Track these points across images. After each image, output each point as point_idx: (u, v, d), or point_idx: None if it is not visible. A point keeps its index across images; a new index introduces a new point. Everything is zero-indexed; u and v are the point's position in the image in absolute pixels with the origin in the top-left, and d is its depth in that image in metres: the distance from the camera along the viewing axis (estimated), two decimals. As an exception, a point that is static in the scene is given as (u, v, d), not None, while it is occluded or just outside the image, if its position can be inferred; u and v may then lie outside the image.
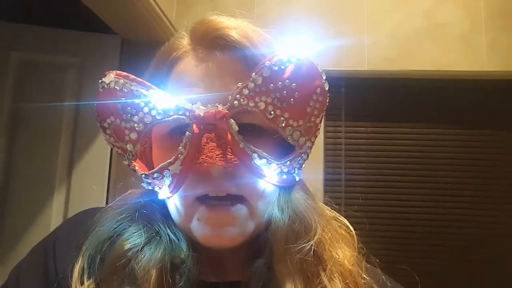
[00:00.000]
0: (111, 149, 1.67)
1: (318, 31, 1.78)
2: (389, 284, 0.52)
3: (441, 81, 1.83)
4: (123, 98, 0.46)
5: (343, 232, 0.52)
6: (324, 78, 0.47)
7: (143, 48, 1.73)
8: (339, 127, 1.89)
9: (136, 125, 0.47)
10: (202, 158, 0.42)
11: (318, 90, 0.47)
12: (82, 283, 0.45)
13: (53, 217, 1.60)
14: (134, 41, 1.74)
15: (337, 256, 0.48)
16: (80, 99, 1.69)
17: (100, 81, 0.47)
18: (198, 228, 0.46)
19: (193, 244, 0.48)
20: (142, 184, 0.50)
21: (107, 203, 1.56)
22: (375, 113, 1.91)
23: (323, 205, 0.55)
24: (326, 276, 0.46)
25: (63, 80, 1.69)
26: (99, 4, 1.47)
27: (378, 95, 1.91)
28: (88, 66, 1.69)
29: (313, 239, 0.47)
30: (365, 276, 0.49)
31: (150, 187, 0.49)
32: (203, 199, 0.46)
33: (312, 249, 0.46)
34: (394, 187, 1.87)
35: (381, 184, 1.87)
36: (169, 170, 0.45)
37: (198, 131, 0.44)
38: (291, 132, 0.46)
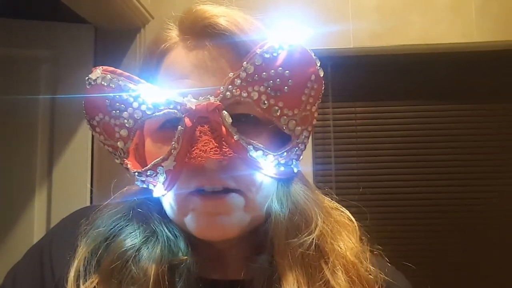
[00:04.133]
0: (92, 144, 1.68)
1: (300, 9, 1.75)
2: (393, 275, 0.53)
3: (431, 55, 1.83)
4: (111, 94, 0.46)
5: (345, 223, 0.53)
6: (319, 64, 0.47)
7: (118, 37, 1.72)
8: (326, 109, 1.88)
9: (126, 121, 0.47)
10: (195, 152, 0.42)
11: (313, 77, 0.47)
12: (78, 287, 0.46)
13: (36, 218, 1.59)
14: (108, 29, 1.71)
15: (339, 249, 0.49)
16: (56, 93, 1.67)
17: (87, 77, 0.47)
18: (192, 220, 0.46)
19: (192, 240, 0.48)
20: (136, 182, 0.50)
21: (91, 199, 1.55)
22: (364, 92, 1.90)
23: (323, 196, 0.56)
24: (329, 269, 0.47)
25: (36, 75, 1.66)
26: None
27: (366, 73, 1.91)
28: (61, 59, 1.66)
29: (314, 232, 0.47)
30: (370, 267, 0.50)
31: (144, 185, 0.49)
32: (197, 192, 0.46)
33: (314, 243, 0.47)
34: (387, 167, 1.88)
35: (373, 166, 1.88)
36: (163, 166, 0.45)
37: (190, 125, 0.44)
38: (286, 122, 0.47)
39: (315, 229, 0.48)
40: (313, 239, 0.47)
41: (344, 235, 0.51)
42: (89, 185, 1.61)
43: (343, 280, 0.46)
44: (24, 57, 1.64)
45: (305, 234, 0.47)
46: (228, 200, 0.45)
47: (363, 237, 0.54)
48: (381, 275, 0.50)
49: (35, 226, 1.58)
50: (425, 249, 1.82)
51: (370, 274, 0.49)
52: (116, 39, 1.70)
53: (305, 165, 1.73)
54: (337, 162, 1.87)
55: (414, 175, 1.87)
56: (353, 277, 0.48)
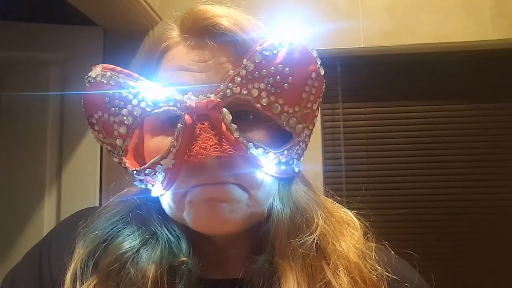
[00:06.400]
0: (101, 147, 1.69)
1: (310, 8, 1.75)
2: (399, 267, 0.53)
3: (443, 54, 1.81)
4: (110, 92, 0.47)
5: (347, 223, 0.53)
6: (319, 63, 0.47)
7: (127, 39, 1.73)
8: (336, 109, 1.88)
9: (125, 118, 0.47)
10: (195, 150, 0.42)
11: (313, 75, 0.47)
12: None
13: (45, 219, 1.61)
14: (117, 31, 1.72)
15: (341, 249, 0.49)
16: (65, 96, 1.69)
17: (86, 76, 0.48)
18: (190, 211, 0.46)
19: (194, 240, 0.48)
20: (134, 182, 0.50)
21: (100, 201, 1.57)
22: (374, 92, 1.90)
23: (325, 197, 0.56)
24: (330, 270, 0.47)
25: (46, 78, 1.68)
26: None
27: (376, 73, 1.90)
28: (70, 61, 1.68)
29: (315, 233, 0.47)
30: (375, 265, 0.50)
31: (143, 185, 0.49)
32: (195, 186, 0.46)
33: (315, 243, 0.47)
34: (397, 168, 1.87)
35: (383, 167, 1.87)
36: (162, 165, 0.45)
37: (190, 122, 0.44)
38: (287, 119, 0.47)
39: (316, 229, 0.48)
40: (314, 239, 0.47)
41: (346, 235, 0.51)
42: (98, 187, 1.63)
43: (345, 281, 0.46)
44: (33, 60, 1.66)
45: (306, 234, 0.47)
46: (228, 189, 0.45)
47: (368, 234, 0.54)
48: (387, 273, 0.50)
49: (44, 229, 1.59)
50: (437, 251, 1.80)
51: (375, 273, 0.49)
52: (125, 41, 1.72)
53: (315, 165, 1.73)
54: (347, 163, 1.86)
55: (425, 176, 1.85)
56: (356, 278, 0.47)
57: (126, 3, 1.53)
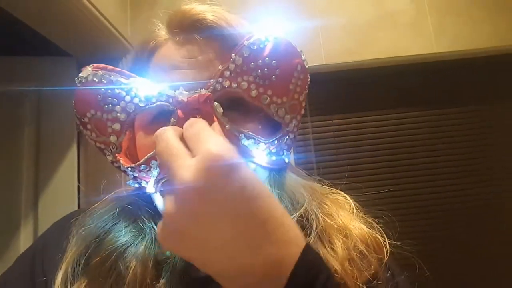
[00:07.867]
0: (78, 174, 1.65)
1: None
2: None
3: (397, 67, 1.90)
4: (102, 90, 0.46)
5: (339, 201, 0.55)
6: (304, 57, 0.49)
7: (100, 67, 1.71)
8: (306, 123, 1.91)
9: (118, 114, 0.47)
10: None
11: (299, 67, 0.48)
12: None
13: (21, 248, 1.53)
14: (90, 61, 1.70)
15: (332, 223, 0.49)
16: (40, 128, 1.65)
17: (77, 76, 0.47)
18: None
19: None
20: (128, 182, 0.49)
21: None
22: (340, 104, 1.95)
23: (316, 184, 0.57)
24: (322, 244, 0.47)
25: (19, 111, 1.63)
26: (50, 28, 1.44)
27: (340, 87, 1.95)
28: (44, 93, 1.64)
29: (298, 211, 0.48)
30: (378, 236, 0.51)
31: (136, 184, 0.48)
32: None
33: (304, 220, 0.48)
34: (366, 174, 1.90)
35: (353, 173, 1.90)
36: (156, 160, 0.44)
37: (183, 116, 0.44)
38: (276, 109, 0.47)
39: (301, 207, 0.49)
40: (301, 215, 0.48)
41: (339, 210, 0.52)
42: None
43: (340, 249, 0.47)
44: (7, 94, 1.61)
45: (292, 214, 0.48)
46: None
47: (359, 210, 0.55)
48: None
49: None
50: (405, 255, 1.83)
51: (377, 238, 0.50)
52: (98, 69, 1.70)
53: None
54: (319, 174, 1.87)
55: (391, 179, 1.90)
56: (358, 244, 0.48)
57: (98, 33, 1.53)
